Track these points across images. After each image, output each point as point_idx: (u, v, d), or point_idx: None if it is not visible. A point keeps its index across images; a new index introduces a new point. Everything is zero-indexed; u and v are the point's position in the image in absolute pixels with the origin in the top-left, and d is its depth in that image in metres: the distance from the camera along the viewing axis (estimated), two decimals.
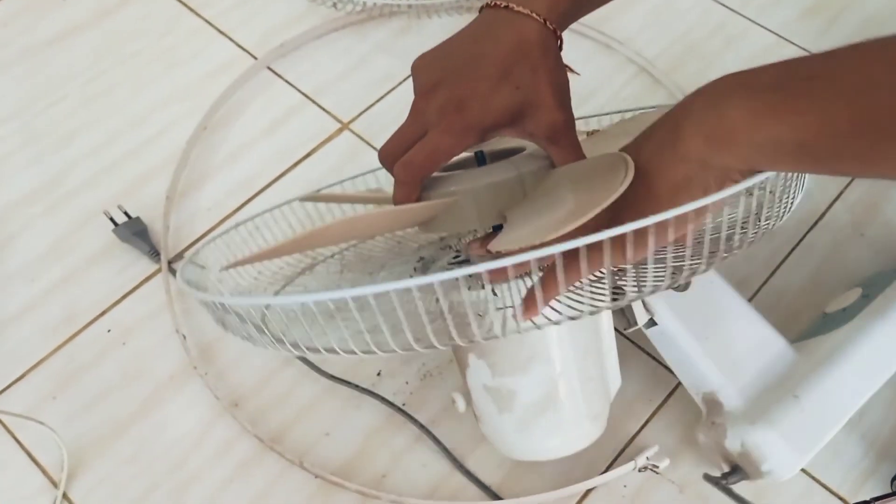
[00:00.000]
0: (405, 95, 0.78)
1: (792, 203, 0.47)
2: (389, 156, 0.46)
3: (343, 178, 0.67)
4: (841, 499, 0.59)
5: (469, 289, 0.47)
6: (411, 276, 0.37)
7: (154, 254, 0.68)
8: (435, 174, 0.48)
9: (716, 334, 0.56)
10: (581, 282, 0.43)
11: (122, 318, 0.66)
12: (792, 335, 0.59)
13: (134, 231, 0.68)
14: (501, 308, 0.45)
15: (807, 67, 0.36)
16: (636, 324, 0.56)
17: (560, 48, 0.47)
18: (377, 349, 0.40)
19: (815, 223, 0.70)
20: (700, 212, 0.37)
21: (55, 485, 0.58)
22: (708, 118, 0.37)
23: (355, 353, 0.41)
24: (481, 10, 0.47)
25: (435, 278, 0.35)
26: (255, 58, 0.80)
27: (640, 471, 0.59)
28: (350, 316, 0.39)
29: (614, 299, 0.42)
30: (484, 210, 0.46)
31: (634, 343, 0.64)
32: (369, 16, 0.82)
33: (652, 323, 0.56)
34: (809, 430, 0.53)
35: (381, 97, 0.78)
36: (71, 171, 0.73)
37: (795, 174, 0.44)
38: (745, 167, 0.37)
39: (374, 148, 0.75)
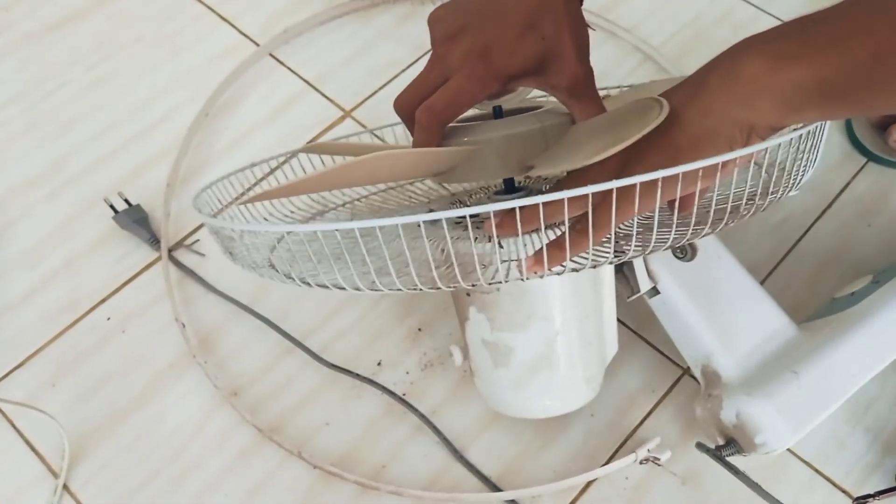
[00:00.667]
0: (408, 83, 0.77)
1: (802, 176, 0.46)
2: (406, 104, 0.46)
3: (348, 134, 0.66)
4: (844, 492, 0.58)
5: (476, 240, 0.47)
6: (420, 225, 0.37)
7: (154, 241, 0.68)
8: (453, 124, 0.47)
9: (718, 305, 0.56)
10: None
11: (122, 305, 0.65)
12: (798, 321, 0.58)
13: (134, 219, 0.68)
14: (506, 261, 0.45)
15: (820, 13, 0.36)
16: (639, 291, 0.55)
17: (581, 2, 0.47)
18: (383, 287, 0.40)
19: (823, 212, 0.69)
20: (723, 165, 0.37)
21: (53, 472, 0.58)
22: (729, 72, 0.37)
23: (360, 290, 0.41)
24: None
25: (443, 215, 0.35)
26: (258, 44, 0.79)
27: (641, 463, 0.58)
28: (358, 259, 0.39)
29: (617, 255, 0.42)
30: (506, 160, 0.45)
31: (638, 335, 0.64)
32: (373, 2, 0.81)
33: (655, 291, 0.56)
34: (805, 406, 0.53)
35: (384, 85, 0.77)
36: (72, 158, 0.73)
37: (808, 144, 0.44)
38: (770, 120, 0.37)
39: (377, 137, 0.74)
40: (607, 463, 0.58)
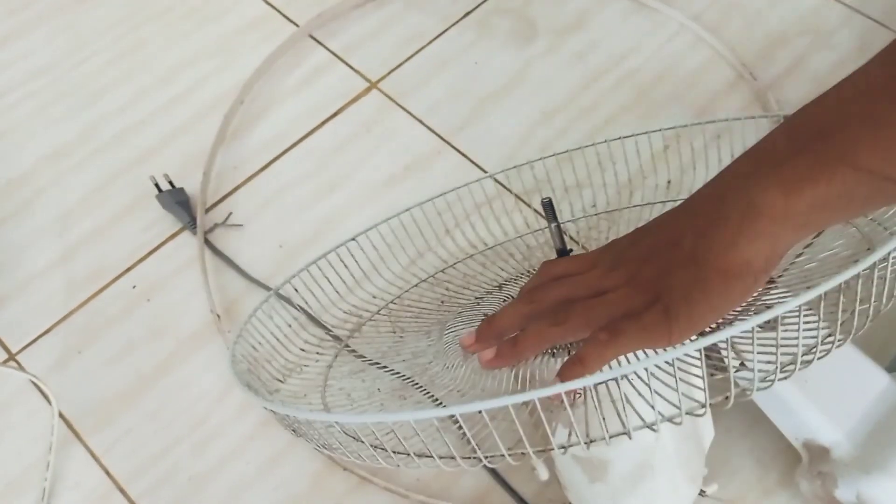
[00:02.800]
0: (434, 55, 0.77)
1: None
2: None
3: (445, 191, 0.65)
4: None
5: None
6: None
7: (193, 225, 0.67)
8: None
9: (815, 376, 0.50)
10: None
11: (147, 274, 0.66)
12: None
13: (177, 200, 0.67)
14: (563, 447, 0.43)
15: (810, 117, 0.39)
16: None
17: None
18: (443, 466, 0.40)
19: None
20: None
21: (79, 438, 0.59)
22: (748, 206, 0.38)
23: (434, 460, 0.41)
24: None
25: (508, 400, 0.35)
26: (285, 16, 0.79)
27: None
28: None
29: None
30: None
31: None
32: None
33: (741, 366, 0.52)
34: None
35: (411, 56, 0.76)
36: (101, 127, 0.73)
37: None
38: (791, 242, 0.38)
39: (402, 108, 0.73)
40: None
